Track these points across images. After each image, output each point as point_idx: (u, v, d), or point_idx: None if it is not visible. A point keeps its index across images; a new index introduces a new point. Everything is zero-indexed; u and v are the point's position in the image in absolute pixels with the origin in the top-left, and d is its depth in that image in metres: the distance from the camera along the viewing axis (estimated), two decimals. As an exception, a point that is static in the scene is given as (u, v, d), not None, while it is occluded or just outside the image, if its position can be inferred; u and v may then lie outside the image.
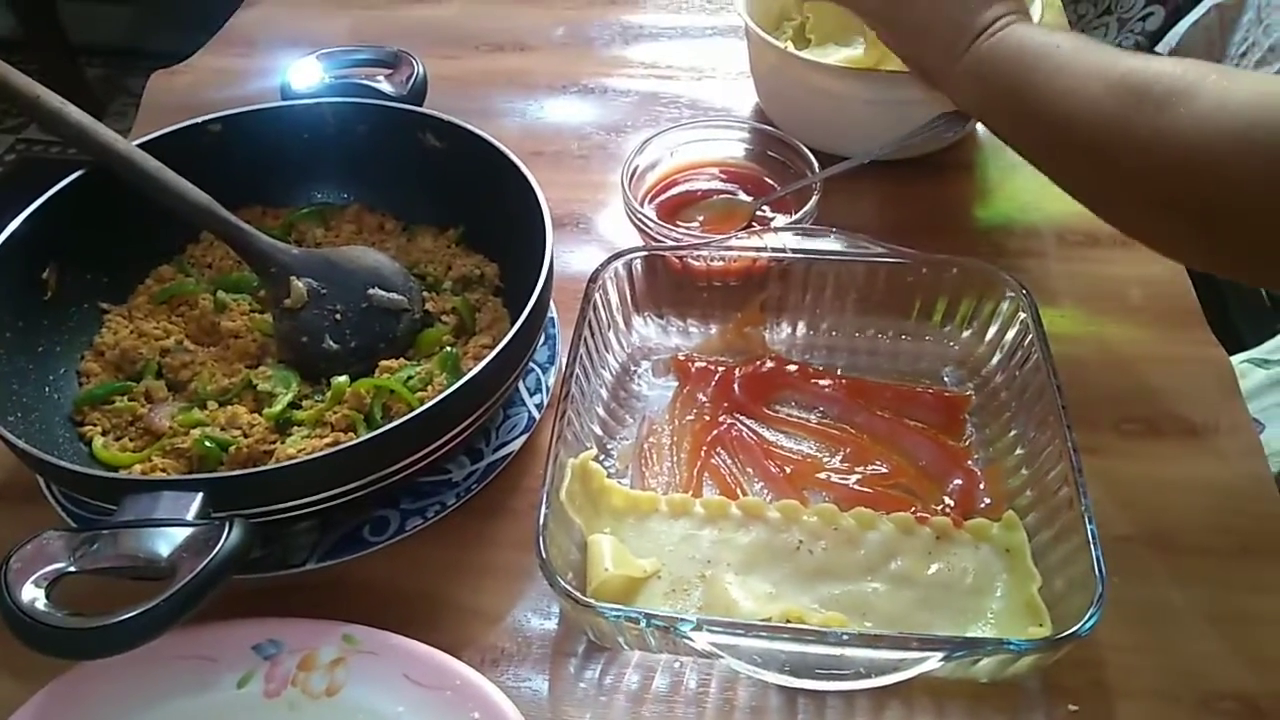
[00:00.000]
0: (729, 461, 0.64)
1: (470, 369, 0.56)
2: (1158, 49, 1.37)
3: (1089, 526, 0.51)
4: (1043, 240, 0.80)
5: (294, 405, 0.63)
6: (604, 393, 0.66)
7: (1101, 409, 0.66)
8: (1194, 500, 0.62)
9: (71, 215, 0.66)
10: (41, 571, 0.46)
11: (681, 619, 0.49)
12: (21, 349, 0.63)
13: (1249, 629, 0.56)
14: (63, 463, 0.52)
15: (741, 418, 0.66)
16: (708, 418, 0.66)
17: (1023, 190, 0.84)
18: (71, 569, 0.47)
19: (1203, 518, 0.61)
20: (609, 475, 0.60)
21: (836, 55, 0.87)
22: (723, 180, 0.81)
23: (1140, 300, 0.75)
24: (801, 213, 0.73)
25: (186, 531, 0.47)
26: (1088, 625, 0.47)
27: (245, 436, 0.61)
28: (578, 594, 0.50)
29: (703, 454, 0.64)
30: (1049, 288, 0.75)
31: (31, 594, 0.45)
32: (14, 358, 0.62)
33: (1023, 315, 0.63)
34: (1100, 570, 0.49)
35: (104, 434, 0.63)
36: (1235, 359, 0.77)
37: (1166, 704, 0.53)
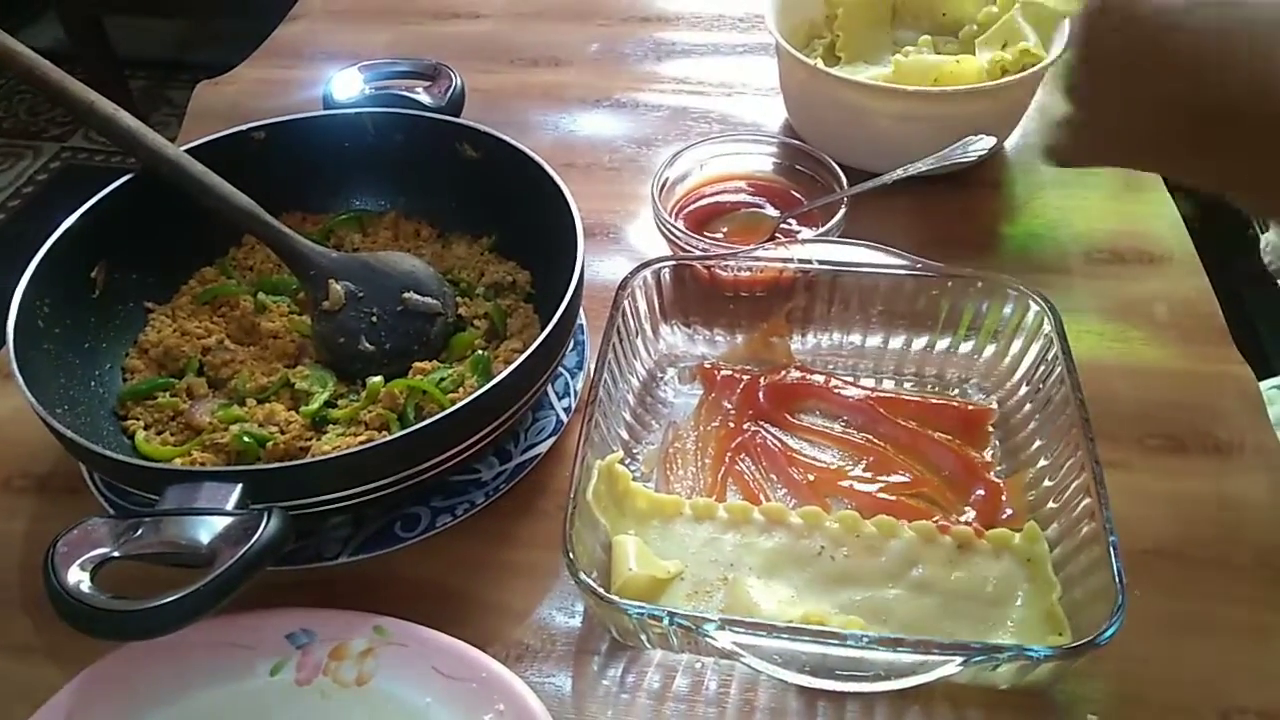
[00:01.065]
0: (752, 468, 0.65)
1: (501, 372, 0.58)
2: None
3: (1110, 538, 0.52)
4: (1069, 257, 0.81)
5: (330, 404, 0.65)
6: (630, 398, 0.67)
7: (1125, 424, 0.67)
8: (1217, 515, 0.62)
9: (121, 216, 0.69)
10: (87, 555, 0.48)
11: (705, 618, 0.49)
12: (70, 345, 0.66)
13: (1270, 643, 0.56)
14: (109, 453, 0.54)
15: (765, 425, 0.67)
16: (732, 425, 0.67)
17: (1050, 207, 0.85)
18: (115, 554, 0.48)
19: (1225, 533, 0.61)
20: (634, 479, 0.61)
21: (866, 73, 0.88)
22: (750, 193, 0.82)
23: (1166, 317, 0.75)
24: (828, 226, 0.74)
25: (226, 520, 0.49)
26: (1107, 634, 0.48)
27: (282, 433, 0.63)
28: (602, 591, 0.51)
29: (727, 459, 0.65)
30: (1075, 304, 0.75)
31: (77, 577, 0.47)
32: (63, 353, 0.65)
33: (1047, 329, 0.64)
34: (1120, 580, 0.50)
35: (146, 428, 0.65)
36: (1263, 384, 0.77)
37: (1186, 717, 0.54)
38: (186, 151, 0.69)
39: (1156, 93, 0.50)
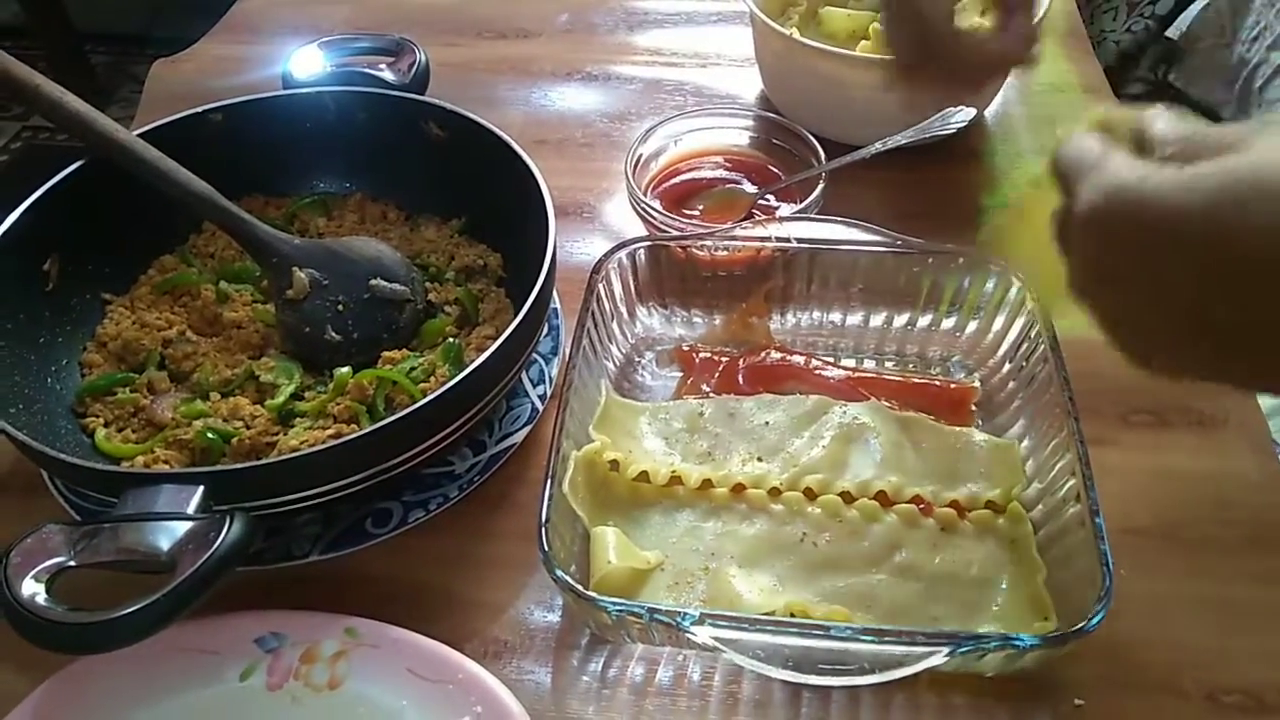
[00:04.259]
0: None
1: (473, 360, 0.56)
2: (1168, 34, 1.36)
3: (1096, 519, 0.51)
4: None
5: (296, 396, 0.63)
6: (607, 383, 0.65)
7: (1109, 400, 0.66)
8: (1202, 493, 0.62)
9: (72, 206, 0.66)
10: (42, 566, 0.46)
11: (684, 612, 0.48)
12: (23, 340, 0.63)
13: (1257, 622, 0.56)
14: (62, 456, 0.52)
15: (745, 408, 0.66)
16: (712, 408, 0.66)
17: (1030, 178, 0.84)
18: (71, 563, 0.47)
19: (1210, 510, 0.61)
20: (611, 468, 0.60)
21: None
22: (727, 169, 0.81)
23: (1149, 289, 0.74)
24: (807, 202, 0.73)
25: (187, 525, 0.47)
26: (1094, 620, 0.47)
27: (247, 428, 0.61)
28: (580, 588, 0.50)
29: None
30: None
31: (32, 589, 0.45)
32: (16, 349, 0.62)
33: (1029, 305, 0.63)
34: (1107, 563, 0.49)
35: (106, 425, 0.63)
36: None
37: (1173, 697, 0.53)
38: (140, 135, 0.67)
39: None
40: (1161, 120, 0.42)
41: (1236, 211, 0.36)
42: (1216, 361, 0.41)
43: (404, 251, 0.71)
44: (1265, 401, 0.68)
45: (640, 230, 0.76)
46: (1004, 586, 0.55)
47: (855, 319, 0.69)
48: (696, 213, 0.77)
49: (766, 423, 0.62)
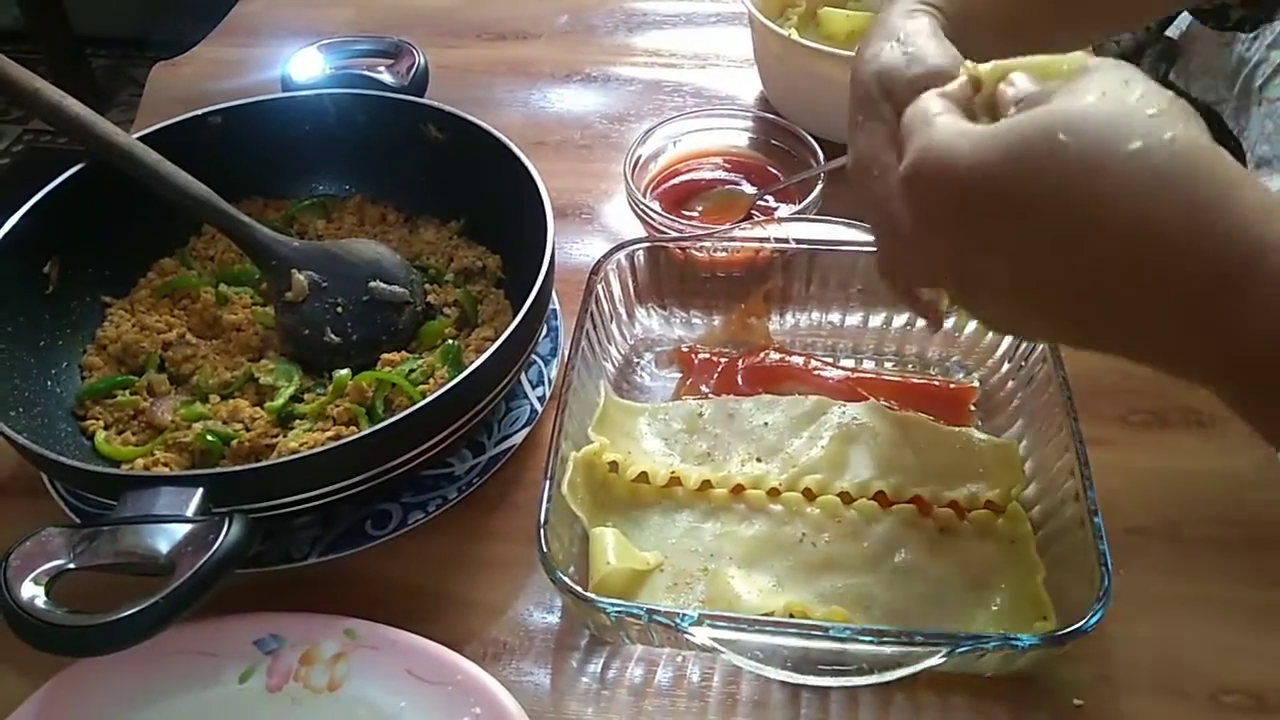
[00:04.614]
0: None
1: (472, 362, 0.56)
2: (1168, 32, 1.35)
3: (1095, 519, 0.51)
4: (1050, 228, 0.80)
5: (296, 398, 0.63)
6: (606, 384, 0.65)
7: (1108, 400, 0.66)
8: (1201, 492, 0.62)
9: (72, 209, 0.66)
10: (41, 568, 0.46)
11: (682, 613, 0.48)
12: (24, 343, 0.63)
13: (1257, 621, 0.56)
14: (61, 459, 0.52)
15: (745, 409, 0.66)
16: (711, 409, 0.66)
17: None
18: (71, 566, 0.47)
19: (1210, 509, 0.60)
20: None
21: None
22: (726, 170, 0.81)
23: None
24: (806, 202, 0.73)
25: (186, 528, 0.47)
26: (1093, 620, 0.47)
27: (247, 430, 0.61)
28: (578, 589, 0.50)
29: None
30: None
31: (31, 591, 0.45)
32: (16, 352, 0.62)
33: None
34: (1106, 563, 0.49)
35: (106, 428, 0.63)
36: None
37: (1174, 698, 0.53)
38: (139, 139, 0.67)
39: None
40: (1019, 80, 0.40)
41: (1027, 164, 0.35)
42: (1055, 325, 0.40)
43: (403, 253, 0.71)
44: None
45: (639, 231, 0.76)
46: (1003, 587, 0.55)
47: (854, 319, 0.69)
48: (695, 214, 0.77)
49: (765, 423, 0.62)
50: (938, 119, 0.40)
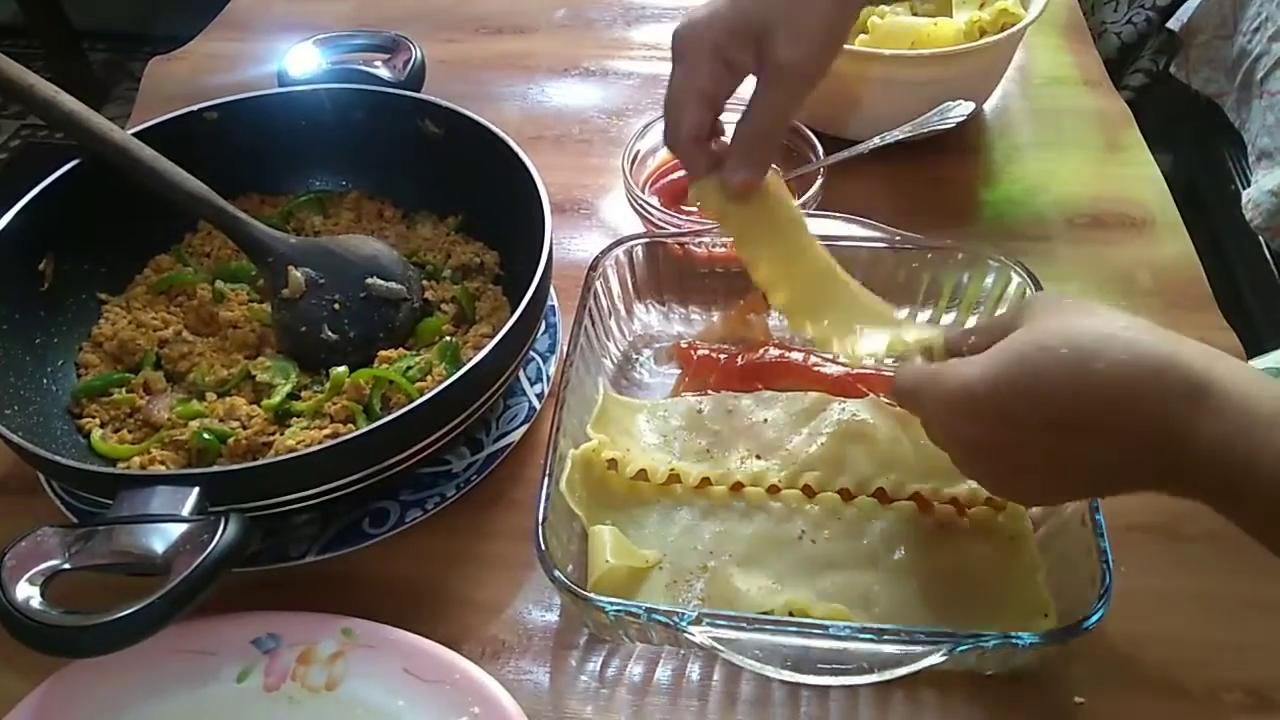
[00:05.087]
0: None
1: (470, 358, 0.56)
2: (1169, 25, 1.35)
3: (1095, 516, 0.51)
4: (1050, 223, 0.79)
5: (293, 396, 0.63)
6: (605, 381, 0.65)
7: (1109, 395, 0.65)
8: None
9: (68, 205, 0.66)
10: (36, 569, 0.46)
11: (681, 612, 0.48)
12: (19, 341, 0.63)
13: (1257, 618, 0.55)
14: (56, 457, 0.52)
15: (744, 406, 0.66)
16: (710, 406, 0.65)
17: (1029, 172, 0.83)
18: (66, 566, 0.46)
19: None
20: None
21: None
22: (725, 164, 0.80)
23: (1150, 283, 0.74)
24: (805, 197, 0.72)
25: (182, 528, 0.47)
26: (1094, 618, 0.47)
27: (244, 428, 0.60)
28: (577, 588, 0.50)
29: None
30: (1057, 271, 0.74)
31: (26, 592, 0.45)
32: (11, 350, 0.62)
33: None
34: (1107, 560, 0.49)
35: (102, 426, 0.62)
36: (1254, 362, 0.75)
37: (1174, 695, 0.53)
38: (135, 134, 0.66)
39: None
40: (952, 334, 0.54)
41: (1018, 379, 0.44)
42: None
43: (400, 249, 0.70)
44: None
45: (638, 227, 0.76)
46: (1004, 584, 0.55)
47: (854, 315, 0.69)
48: (695, 209, 0.76)
49: (765, 420, 0.62)
50: (939, 371, 0.49)
